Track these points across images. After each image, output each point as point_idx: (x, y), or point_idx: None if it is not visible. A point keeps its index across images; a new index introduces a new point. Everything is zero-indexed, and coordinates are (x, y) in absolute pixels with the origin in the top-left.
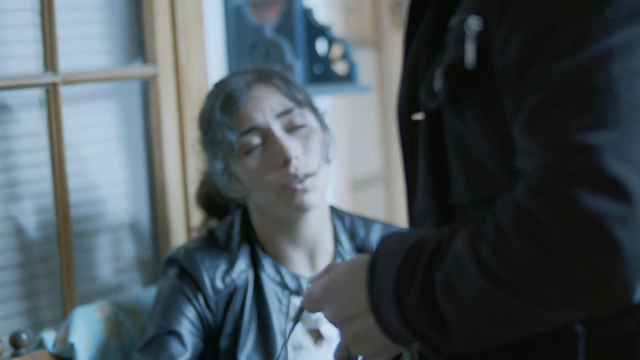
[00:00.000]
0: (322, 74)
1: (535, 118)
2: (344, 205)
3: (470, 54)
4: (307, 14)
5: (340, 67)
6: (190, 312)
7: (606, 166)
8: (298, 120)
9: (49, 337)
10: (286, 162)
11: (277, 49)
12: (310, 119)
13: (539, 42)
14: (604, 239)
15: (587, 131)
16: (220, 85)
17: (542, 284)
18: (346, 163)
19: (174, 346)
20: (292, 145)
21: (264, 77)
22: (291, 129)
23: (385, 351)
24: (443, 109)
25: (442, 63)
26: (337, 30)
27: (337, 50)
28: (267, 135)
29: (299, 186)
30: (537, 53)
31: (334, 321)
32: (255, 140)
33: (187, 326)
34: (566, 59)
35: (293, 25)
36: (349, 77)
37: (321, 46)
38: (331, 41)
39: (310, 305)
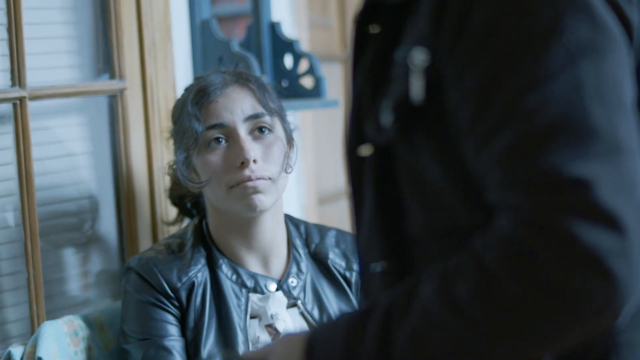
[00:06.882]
0: (289, 88)
1: (514, 154)
2: (311, 219)
3: (416, 88)
4: (274, 28)
5: (307, 82)
6: (164, 317)
7: (600, 199)
8: (265, 127)
9: (17, 351)
10: (244, 163)
11: (244, 64)
12: (278, 128)
13: (498, 77)
14: (603, 275)
15: (573, 165)
16: (198, 79)
17: (532, 319)
18: (313, 177)
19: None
20: (253, 149)
21: (242, 79)
22: (257, 134)
23: None
24: (394, 144)
25: (389, 98)
26: (304, 45)
27: (303, 65)
28: (231, 134)
29: (249, 183)
30: (498, 88)
31: None
32: (219, 137)
33: (170, 331)
34: (534, 92)
35: (260, 39)
36: (316, 92)
37: (288, 61)
38: (298, 56)
39: None
